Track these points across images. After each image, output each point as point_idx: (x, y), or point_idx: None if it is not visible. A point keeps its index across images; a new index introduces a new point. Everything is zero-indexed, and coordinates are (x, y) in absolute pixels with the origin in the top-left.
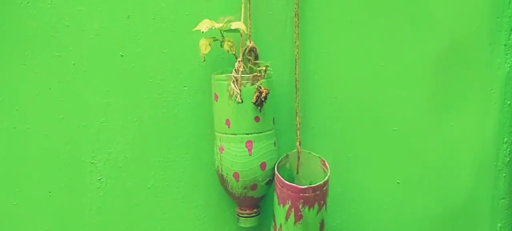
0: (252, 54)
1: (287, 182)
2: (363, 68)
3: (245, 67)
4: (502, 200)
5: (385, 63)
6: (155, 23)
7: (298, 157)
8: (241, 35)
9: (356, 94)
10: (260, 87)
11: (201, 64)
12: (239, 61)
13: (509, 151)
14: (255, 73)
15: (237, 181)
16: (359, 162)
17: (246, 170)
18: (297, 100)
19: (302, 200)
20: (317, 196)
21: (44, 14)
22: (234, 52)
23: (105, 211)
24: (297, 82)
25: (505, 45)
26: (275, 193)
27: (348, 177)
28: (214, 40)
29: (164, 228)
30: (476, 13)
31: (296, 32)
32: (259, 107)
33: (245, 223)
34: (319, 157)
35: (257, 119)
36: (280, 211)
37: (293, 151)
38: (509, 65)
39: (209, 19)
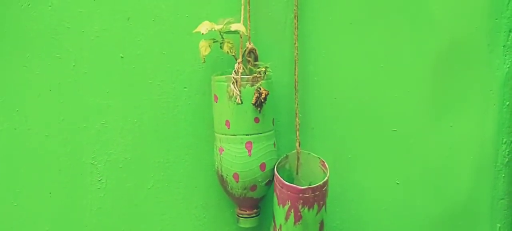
0: (252, 56)
1: (286, 183)
2: (362, 69)
3: (244, 68)
4: (501, 201)
5: (384, 64)
6: (155, 25)
7: (298, 158)
8: (241, 37)
9: (356, 95)
10: (260, 89)
11: (201, 65)
12: (238, 63)
13: (508, 151)
14: (255, 75)
15: (237, 182)
16: (359, 163)
17: (246, 171)
18: (296, 101)
19: (301, 201)
20: (317, 197)
21: (45, 16)
22: (233, 54)
23: (105, 211)
24: (296, 83)
25: (503, 46)
26: (274, 194)
27: (348, 177)
28: (214, 42)
29: (164, 229)
30: (475, 14)
31: (296, 33)
32: (259, 108)
33: (245, 223)
34: (319, 158)
35: (256, 119)
36: (280, 212)
37: (293, 151)
38: (507, 66)
39: (209, 21)
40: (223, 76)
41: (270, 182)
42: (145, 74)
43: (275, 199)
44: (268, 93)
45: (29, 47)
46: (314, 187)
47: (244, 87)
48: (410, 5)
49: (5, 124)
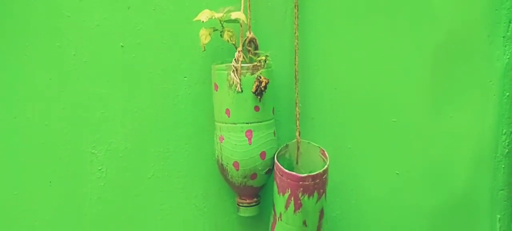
0: (252, 45)
1: (286, 170)
2: (363, 60)
3: (245, 57)
4: (501, 191)
5: (384, 55)
6: (156, 14)
7: (298, 147)
8: (241, 26)
9: (356, 86)
10: (260, 77)
11: (201, 55)
12: (239, 51)
13: (508, 142)
14: (255, 63)
15: (237, 170)
16: (359, 153)
17: (246, 159)
18: (296, 91)
19: (301, 189)
20: (317, 185)
21: (45, 5)
22: (234, 42)
23: (106, 201)
24: (296, 73)
25: (503, 37)
26: (274, 182)
27: (348, 167)
28: (214, 30)
29: (164, 218)
30: (475, 5)
31: (296, 23)
32: (259, 97)
33: (245, 212)
34: (319, 147)
35: (257, 108)
36: (280, 200)
37: (293, 141)
38: (507, 57)
39: (209, 9)
40: (223, 65)
41: (270, 171)
42: (145, 63)
43: (275, 187)
44: (268, 82)
45: (29, 36)
46: (314, 174)
47: (244, 76)
48: None
49: (5, 113)
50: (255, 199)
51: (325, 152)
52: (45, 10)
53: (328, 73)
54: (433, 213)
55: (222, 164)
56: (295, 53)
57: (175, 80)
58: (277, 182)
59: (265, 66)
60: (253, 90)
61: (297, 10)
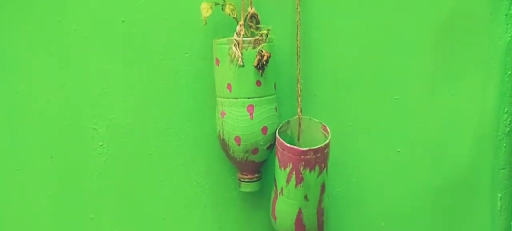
0: (253, 21)
1: (288, 145)
2: (365, 37)
3: (246, 32)
4: (502, 170)
5: (387, 32)
6: None
7: (299, 124)
8: (243, 1)
9: (358, 63)
10: (262, 51)
11: (202, 30)
12: (240, 25)
13: (509, 121)
14: (257, 37)
15: (239, 145)
16: (360, 130)
17: (248, 134)
18: (298, 68)
19: (303, 162)
20: (318, 159)
21: None
22: (235, 16)
23: (107, 176)
24: (298, 49)
25: (506, 15)
26: (276, 157)
27: (349, 145)
28: (215, 4)
29: (165, 194)
30: None
31: None
32: (261, 71)
33: (246, 188)
34: (320, 123)
35: (258, 83)
36: (281, 174)
37: (295, 117)
38: (509, 35)
39: None
40: (225, 39)
41: (272, 146)
42: (146, 39)
43: (277, 162)
44: (270, 56)
45: (30, 11)
46: (315, 148)
47: (246, 50)
48: None
49: (6, 88)
50: (256, 175)
51: (327, 127)
52: None
53: (330, 50)
54: (434, 191)
55: (223, 139)
56: (297, 29)
57: (176, 56)
58: (278, 157)
59: (267, 40)
60: (255, 64)
61: None
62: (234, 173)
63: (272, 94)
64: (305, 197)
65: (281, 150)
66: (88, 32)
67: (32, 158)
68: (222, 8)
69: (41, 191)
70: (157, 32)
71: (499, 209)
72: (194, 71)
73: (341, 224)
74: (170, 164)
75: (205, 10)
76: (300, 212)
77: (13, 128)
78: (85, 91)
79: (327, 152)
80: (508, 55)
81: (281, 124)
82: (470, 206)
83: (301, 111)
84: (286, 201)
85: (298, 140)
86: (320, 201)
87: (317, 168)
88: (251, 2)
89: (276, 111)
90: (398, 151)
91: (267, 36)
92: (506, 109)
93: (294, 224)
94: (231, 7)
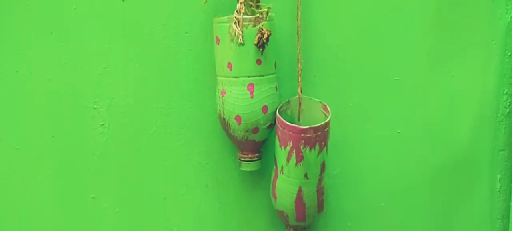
0: (254, 0)
1: (288, 123)
2: (365, 17)
3: (247, 10)
4: (502, 152)
5: (387, 12)
6: None
7: (300, 103)
8: None
9: (358, 43)
10: (262, 29)
11: (202, 10)
12: (240, 3)
13: (509, 102)
14: (257, 15)
15: (239, 124)
16: (360, 111)
17: (248, 113)
18: (299, 48)
19: (303, 141)
20: (318, 137)
21: None
22: None
23: (108, 156)
24: (299, 29)
25: None
26: (276, 136)
27: (349, 126)
28: None
29: (166, 175)
30: None
31: None
32: (261, 49)
33: (247, 167)
34: (320, 102)
35: (258, 61)
36: (282, 153)
37: (295, 97)
38: (510, 15)
39: None
40: (225, 17)
41: (272, 126)
42: (146, 18)
43: (277, 141)
44: (270, 34)
45: None
46: (315, 127)
47: (246, 28)
48: None
49: (6, 66)
50: (256, 154)
51: (327, 107)
52: None
53: (331, 31)
54: (433, 172)
55: (224, 118)
56: (298, 9)
57: (176, 36)
58: (278, 136)
59: (267, 18)
60: (255, 42)
61: None
62: (234, 152)
63: (272, 74)
64: (305, 176)
65: (281, 128)
66: (89, 11)
67: (33, 137)
68: None
69: (42, 170)
70: (157, 11)
71: (498, 190)
72: (194, 51)
73: (341, 204)
74: (171, 144)
75: None
76: (300, 190)
77: (13, 107)
78: (86, 70)
79: (327, 131)
80: (509, 36)
81: (281, 104)
82: (470, 187)
83: (301, 91)
84: (286, 180)
85: (298, 119)
86: (320, 180)
87: (317, 146)
88: None
89: (276, 90)
90: (398, 132)
91: (268, 14)
92: (506, 90)
93: (294, 202)
94: None
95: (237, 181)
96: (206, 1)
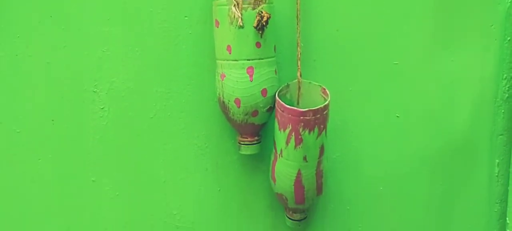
0: None
1: (287, 106)
2: (365, 1)
3: None
4: (501, 136)
5: None
6: None
7: (299, 87)
8: None
9: (358, 28)
10: (262, 12)
11: None
12: None
13: (508, 87)
14: None
15: (239, 107)
16: (360, 95)
17: (247, 96)
18: (298, 32)
19: (302, 124)
20: (318, 120)
21: None
22: None
23: (108, 140)
24: (298, 12)
25: None
26: (276, 120)
27: (348, 110)
28: None
29: (166, 158)
30: None
31: None
32: (261, 32)
33: (246, 150)
34: (320, 86)
35: (258, 44)
36: (281, 136)
37: (294, 81)
38: (509, 0)
39: None
40: (224, 0)
41: (271, 109)
42: (146, 1)
43: (276, 124)
44: (270, 17)
45: None
46: (315, 109)
47: (246, 11)
48: None
49: (6, 50)
50: (256, 138)
51: (326, 90)
52: None
53: (330, 15)
54: (432, 156)
55: (223, 102)
56: None
57: (176, 20)
58: (278, 119)
59: (267, 1)
60: (255, 24)
61: None
62: (234, 136)
63: (272, 57)
64: (304, 158)
65: (280, 111)
66: None
67: (33, 120)
68: None
69: (42, 154)
70: None
71: (496, 174)
72: (194, 35)
73: (340, 188)
74: (170, 128)
75: None
76: (299, 173)
77: (13, 90)
78: (86, 54)
79: (326, 113)
80: (508, 21)
81: (280, 87)
82: (468, 172)
83: (300, 75)
84: (286, 163)
85: (298, 103)
86: (319, 163)
87: (316, 129)
88: None
89: (275, 74)
90: (397, 116)
91: None
92: (505, 75)
93: (293, 185)
94: None
95: (237, 164)
96: None
